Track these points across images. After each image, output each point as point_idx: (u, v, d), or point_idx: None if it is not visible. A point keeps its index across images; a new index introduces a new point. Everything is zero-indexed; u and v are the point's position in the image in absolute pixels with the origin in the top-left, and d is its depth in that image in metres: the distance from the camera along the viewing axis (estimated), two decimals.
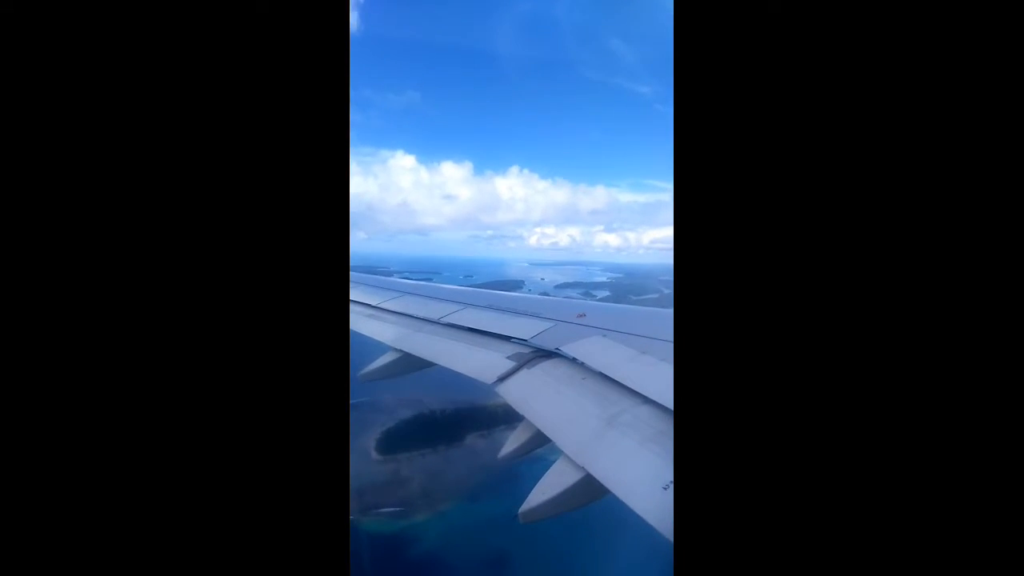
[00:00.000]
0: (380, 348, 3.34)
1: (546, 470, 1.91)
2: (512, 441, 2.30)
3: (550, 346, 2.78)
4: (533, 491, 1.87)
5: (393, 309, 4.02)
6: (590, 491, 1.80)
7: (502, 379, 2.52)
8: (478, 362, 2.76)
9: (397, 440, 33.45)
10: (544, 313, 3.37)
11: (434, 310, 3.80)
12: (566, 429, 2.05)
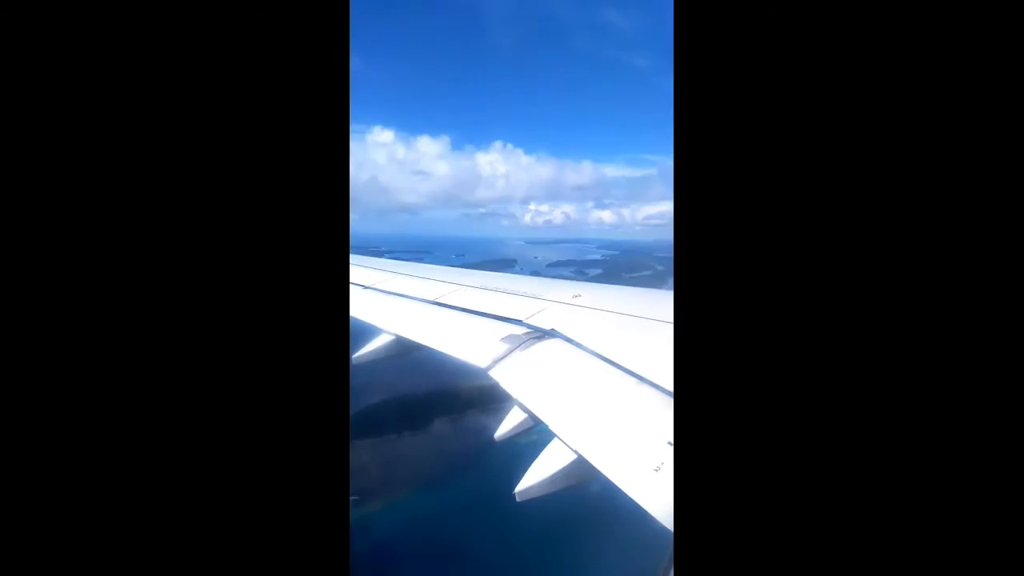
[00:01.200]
0: (372, 330, 3.32)
1: (536, 450, 1.93)
2: (507, 422, 2.31)
3: (545, 327, 2.77)
4: (528, 472, 1.88)
5: (386, 290, 3.99)
6: (582, 472, 1.81)
7: (496, 362, 2.51)
8: (471, 345, 2.75)
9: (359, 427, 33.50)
10: (540, 293, 3.35)
11: (427, 290, 3.77)
12: (559, 412, 2.06)
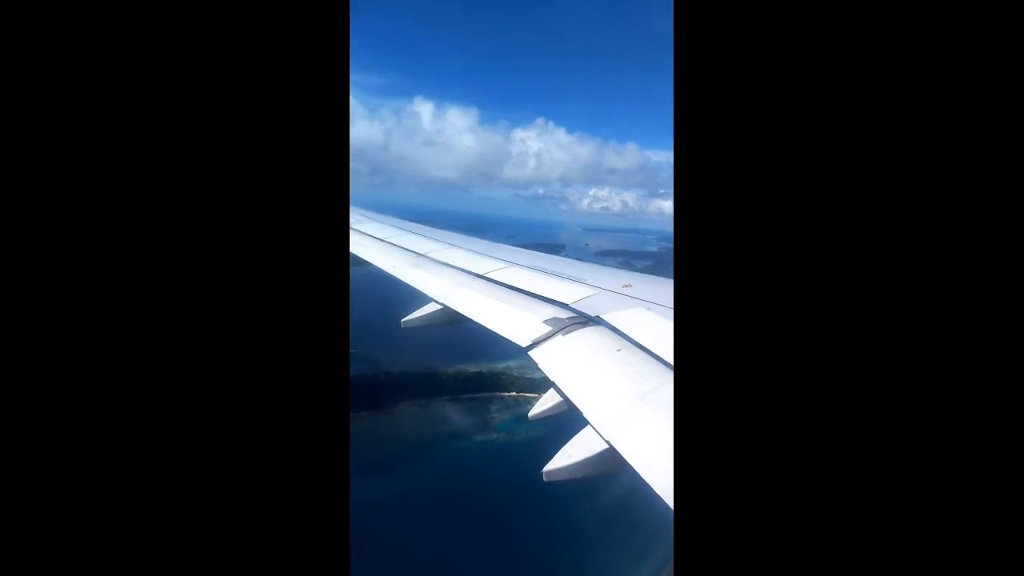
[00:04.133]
0: (422, 297, 3.42)
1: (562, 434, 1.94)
2: (541, 403, 2.33)
3: (591, 313, 2.75)
4: (558, 453, 1.90)
5: (439, 260, 4.08)
6: (612, 463, 1.81)
7: (537, 343, 2.52)
8: (514, 323, 2.77)
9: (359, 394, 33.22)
10: (589, 279, 3.31)
11: (478, 265, 3.82)
12: (595, 400, 2.05)
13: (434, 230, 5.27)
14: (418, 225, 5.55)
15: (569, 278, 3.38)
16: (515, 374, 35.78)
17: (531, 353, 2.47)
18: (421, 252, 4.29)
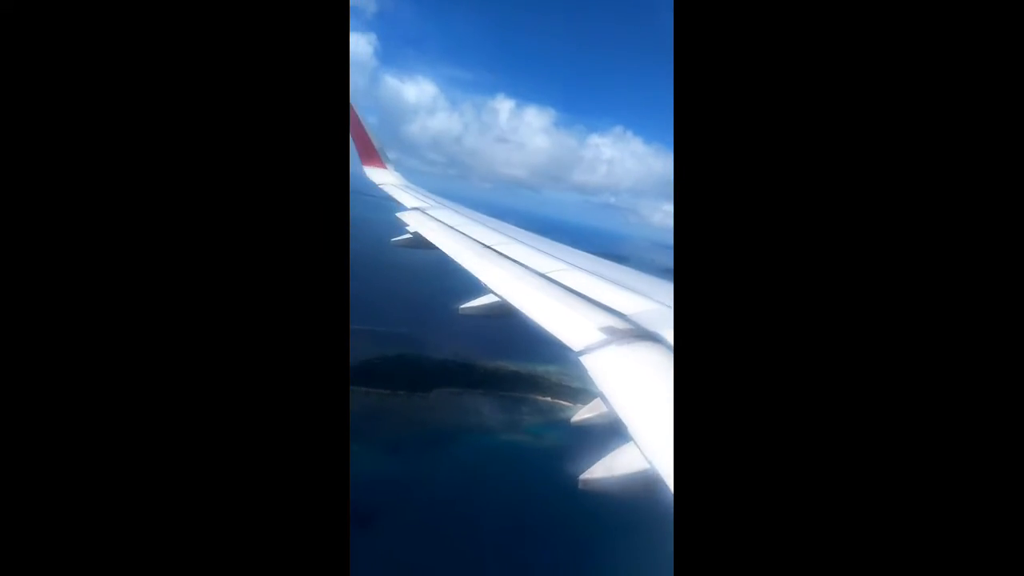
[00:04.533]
0: (481, 287, 3.46)
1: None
2: (586, 411, 2.28)
3: (650, 328, 2.65)
4: (599, 463, 1.85)
5: (503, 252, 4.12)
6: (651, 485, 1.73)
7: (589, 349, 2.47)
8: (569, 325, 2.73)
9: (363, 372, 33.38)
10: (653, 294, 3.20)
11: (541, 263, 3.81)
12: (642, 418, 1.97)
13: (502, 223, 5.32)
14: (487, 217, 5.63)
15: (632, 289, 3.28)
16: (553, 379, 35.52)
17: (582, 359, 2.42)
18: (487, 243, 4.35)
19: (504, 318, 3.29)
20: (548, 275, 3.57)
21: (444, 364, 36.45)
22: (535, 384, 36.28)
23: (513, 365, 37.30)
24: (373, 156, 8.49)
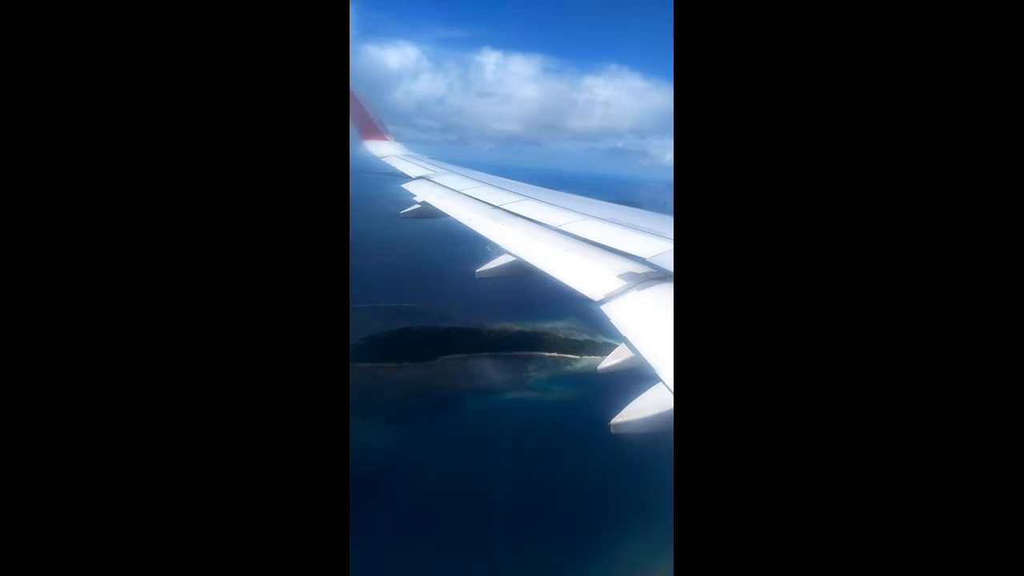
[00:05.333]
0: (495, 249, 3.45)
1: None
2: (612, 357, 2.30)
3: (669, 268, 2.61)
4: (627, 407, 1.88)
5: (514, 211, 4.07)
6: None
7: (610, 297, 2.46)
8: (588, 276, 2.71)
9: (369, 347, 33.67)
10: (669, 233, 3.13)
11: (553, 217, 3.76)
12: (667, 357, 1.98)
13: (510, 182, 5.23)
14: (494, 177, 5.54)
15: (648, 231, 3.22)
16: (559, 335, 35.87)
17: (603, 308, 2.42)
18: (497, 204, 4.30)
19: (521, 278, 3.29)
20: (561, 228, 3.53)
21: (448, 332, 37.11)
22: (540, 341, 36.65)
23: (518, 325, 37.68)
24: (372, 129, 8.36)
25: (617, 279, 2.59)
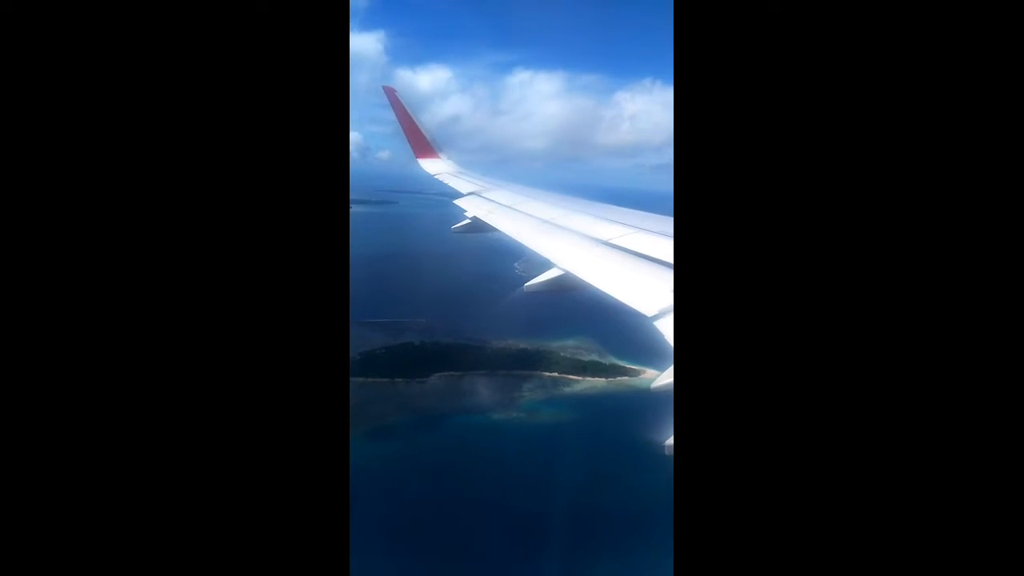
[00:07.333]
0: (544, 263, 3.43)
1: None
2: (665, 376, 2.21)
3: None
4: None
5: (563, 225, 4.05)
6: None
7: (664, 313, 2.37)
8: (639, 291, 2.63)
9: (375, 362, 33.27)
10: None
11: (603, 230, 3.70)
12: None
13: (559, 196, 5.22)
14: (543, 191, 5.55)
15: None
16: (565, 354, 34.48)
17: (656, 324, 2.33)
18: (546, 218, 4.29)
19: (574, 290, 3.24)
20: (612, 241, 3.46)
21: (450, 348, 36.43)
22: (542, 360, 35.30)
23: (524, 342, 36.50)
24: (425, 147, 8.64)
25: (671, 293, 2.49)
